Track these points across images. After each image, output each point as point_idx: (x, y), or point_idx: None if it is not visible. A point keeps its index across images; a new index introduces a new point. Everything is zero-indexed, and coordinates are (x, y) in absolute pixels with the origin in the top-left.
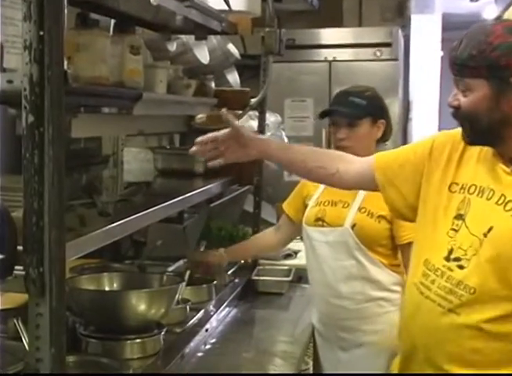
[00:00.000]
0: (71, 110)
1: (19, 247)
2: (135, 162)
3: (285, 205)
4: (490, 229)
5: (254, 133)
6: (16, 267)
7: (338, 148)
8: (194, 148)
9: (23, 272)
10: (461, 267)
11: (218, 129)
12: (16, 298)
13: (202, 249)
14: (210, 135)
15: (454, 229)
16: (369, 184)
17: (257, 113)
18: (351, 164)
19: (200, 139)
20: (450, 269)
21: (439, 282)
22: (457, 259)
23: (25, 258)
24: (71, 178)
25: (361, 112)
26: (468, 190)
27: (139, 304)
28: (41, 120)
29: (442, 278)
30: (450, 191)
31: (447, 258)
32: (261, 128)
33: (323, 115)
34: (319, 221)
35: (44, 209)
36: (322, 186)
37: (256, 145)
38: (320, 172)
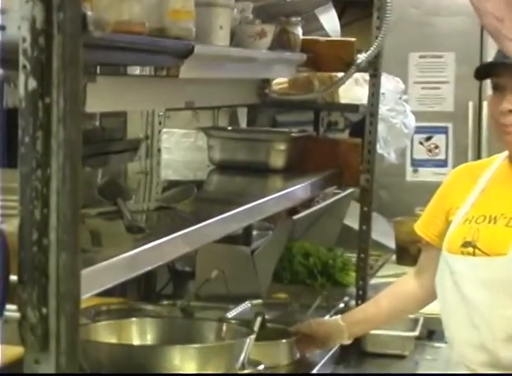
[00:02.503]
0: (87, 72)
1: (13, 277)
2: (180, 150)
3: (419, 226)
4: None
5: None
6: (8, 306)
7: (501, 127)
8: None
9: (18, 315)
10: None
11: (305, 99)
12: (6, 352)
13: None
14: None
15: None
16: None
17: (366, 77)
18: None
19: None
20: None
21: None
22: None
23: (21, 294)
24: (82, 174)
25: None
26: None
27: (185, 365)
28: (47, 86)
29: None
30: None
31: None
32: (374, 101)
33: (481, 73)
34: (469, 246)
35: (50, 221)
36: (474, 195)
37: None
38: None
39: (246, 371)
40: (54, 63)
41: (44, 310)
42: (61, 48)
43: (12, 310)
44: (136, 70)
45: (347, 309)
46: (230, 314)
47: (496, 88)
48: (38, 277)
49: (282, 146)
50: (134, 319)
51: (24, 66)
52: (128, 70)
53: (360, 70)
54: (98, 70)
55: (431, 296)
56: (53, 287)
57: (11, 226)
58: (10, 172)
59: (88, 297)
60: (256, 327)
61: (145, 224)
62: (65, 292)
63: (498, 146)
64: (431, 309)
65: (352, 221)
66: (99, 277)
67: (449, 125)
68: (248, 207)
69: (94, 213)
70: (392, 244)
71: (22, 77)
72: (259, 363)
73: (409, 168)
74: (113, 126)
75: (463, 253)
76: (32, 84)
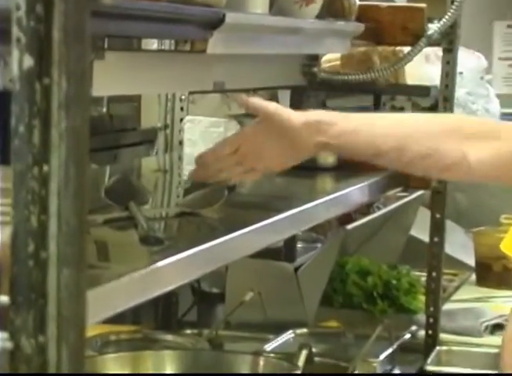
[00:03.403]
0: (95, 47)
1: (4, 298)
2: (207, 143)
3: (506, 244)
4: None
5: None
6: None
7: None
8: (192, 171)
9: (10, 344)
10: None
11: (362, 80)
12: None
13: None
14: (218, 145)
15: None
16: None
17: (439, 53)
18: (485, 142)
19: (201, 154)
20: None
21: None
22: None
23: (13, 318)
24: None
25: None
26: None
27: None
28: (46, 64)
29: None
30: None
31: None
32: (449, 82)
33: None
34: None
35: (49, 229)
36: None
37: (314, 131)
38: (429, 162)
39: None
40: (54, 36)
41: (41, 339)
42: (63, 17)
43: (3, 338)
44: (153, 45)
45: (414, 340)
46: (269, 346)
47: None
48: (35, 298)
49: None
50: (149, 351)
51: (18, 40)
52: (143, 45)
53: (432, 43)
54: (106, 45)
55: None
56: (53, 310)
57: (3, 235)
58: (2, 170)
59: (94, 323)
60: (301, 362)
61: (163, 234)
62: (67, 317)
63: None
64: None
65: (421, 231)
66: (108, 299)
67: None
68: (291, 213)
69: (101, 220)
70: (471, 261)
71: (16, 53)
72: None
73: None
74: (124, 113)
75: None
76: (28, 61)
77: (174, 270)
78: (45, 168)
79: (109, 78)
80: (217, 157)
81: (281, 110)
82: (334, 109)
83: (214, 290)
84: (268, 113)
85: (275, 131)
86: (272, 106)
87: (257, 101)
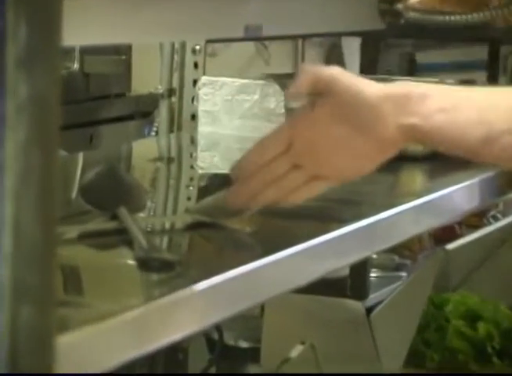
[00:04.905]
0: None
1: None
2: (233, 118)
3: None
4: None
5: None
6: None
7: None
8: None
9: None
10: None
11: (471, 23)
12: None
13: None
14: (260, 144)
15: None
16: None
17: None
18: None
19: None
20: None
21: None
22: None
23: None
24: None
25: None
26: None
27: None
28: None
29: None
30: None
31: None
32: None
33: None
34: None
35: (2, 246)
36: None
37: (398, 108)
38: None
39: None
40: None
41: None
42: None
43: None
44: None
45: None
46: None
47: None
48: None
49: None
50: None
51: None
52: None
53: None
54: None
55: None
56: (6, 365)
57: None
58: None
59: None
60: None
61: (170, 256)
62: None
63: None
64: None
65: None
66: (86, 352)
67: None
68: (362, 226)
69: (77, 234)
70: None
71: None
72: None
73: None
74: (107, 71)
75: None
76: None
77: (184, 312)
78: None
79: (87, 21)
80: (261, 162)
81: (349, 78)
82: (429, 66)
83: (243, 343)
84: (328, 84)
85: (340, 113)
86: (333, 72)
87: (308, 71)
